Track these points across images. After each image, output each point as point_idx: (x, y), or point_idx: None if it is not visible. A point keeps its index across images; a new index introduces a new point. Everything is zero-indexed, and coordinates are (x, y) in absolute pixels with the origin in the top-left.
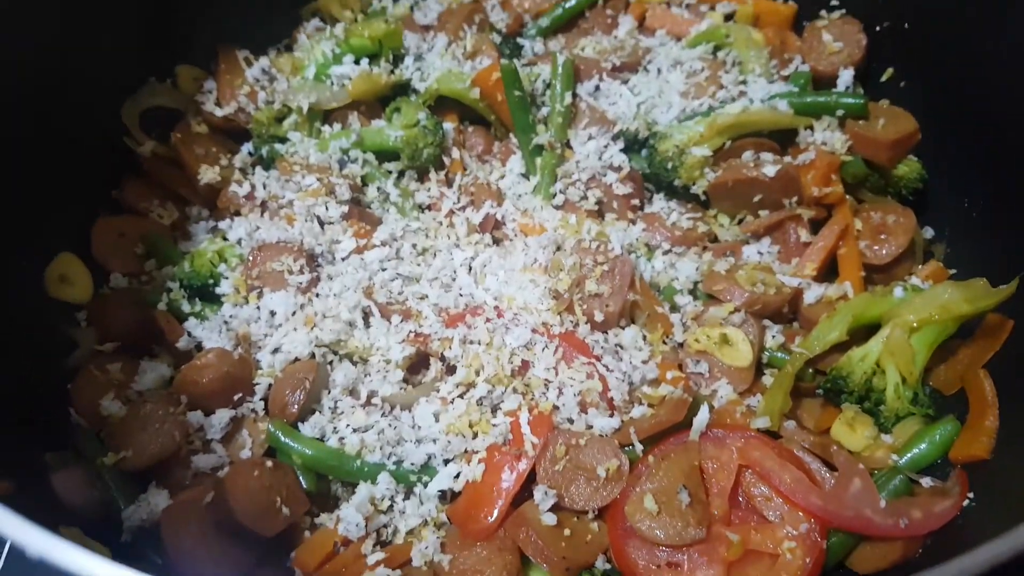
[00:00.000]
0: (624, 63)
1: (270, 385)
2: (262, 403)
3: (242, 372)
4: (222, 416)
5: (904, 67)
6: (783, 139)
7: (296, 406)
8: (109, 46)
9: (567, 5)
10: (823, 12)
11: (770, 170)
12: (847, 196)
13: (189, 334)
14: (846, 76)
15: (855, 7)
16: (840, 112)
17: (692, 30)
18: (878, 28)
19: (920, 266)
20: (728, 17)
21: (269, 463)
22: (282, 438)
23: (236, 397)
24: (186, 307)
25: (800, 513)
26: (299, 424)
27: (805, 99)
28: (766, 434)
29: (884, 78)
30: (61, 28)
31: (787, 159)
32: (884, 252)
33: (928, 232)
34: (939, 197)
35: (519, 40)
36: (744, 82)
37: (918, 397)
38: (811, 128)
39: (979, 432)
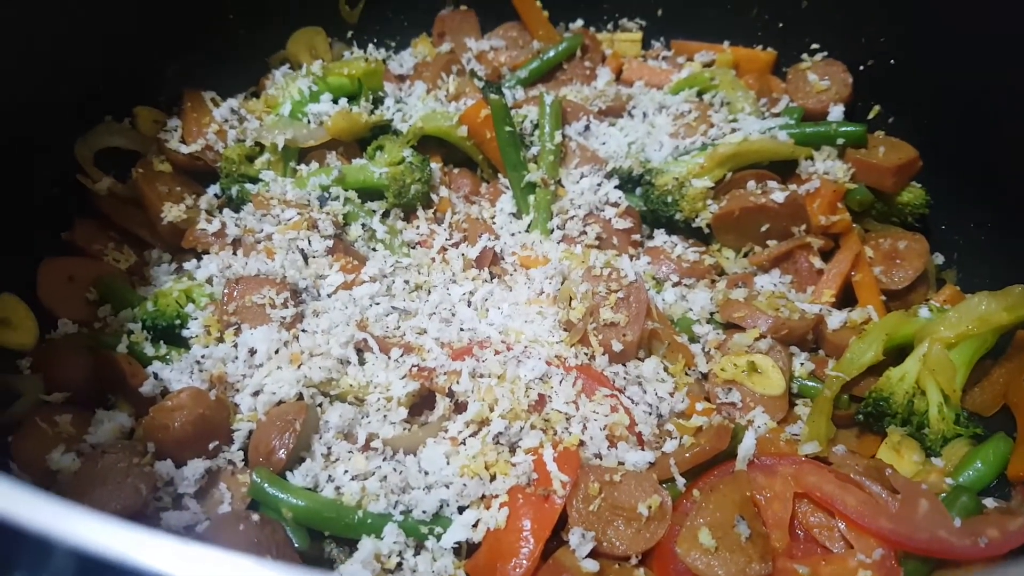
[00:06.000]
0: (609, 107)
1: (250, 432)
2: (241, 453)
3: (219, 416)
4: (196, 467)
5: (891, 103)
6: (783, 171)
7: (284, 452)
8: (66, 83)
9: (545, 57)
10: (804, 56)
11: (779, 196)
12: (854, 225)
13: (156, 376)
14: (836, 112)
15: (835, 50)
16: (840, 141)
17: (672, 78)
18: (861, 68)
19: (934, 292)
20: (707, 66)
21: (255, 517)
22: (268, 489)
23: (211, 445)
24: (150, 350)
25: (871, 540)
26: (286, 474)
27: (804, 129)
28: (816, 460)
29: (871, 116)
30: (17, 61)
31: (792, 187)
32: (899, 277)
33: (938, 259)
34: (944, 223)
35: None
36: (735, 120)
37: (960, 418)
38: (811, 159)
39: None
